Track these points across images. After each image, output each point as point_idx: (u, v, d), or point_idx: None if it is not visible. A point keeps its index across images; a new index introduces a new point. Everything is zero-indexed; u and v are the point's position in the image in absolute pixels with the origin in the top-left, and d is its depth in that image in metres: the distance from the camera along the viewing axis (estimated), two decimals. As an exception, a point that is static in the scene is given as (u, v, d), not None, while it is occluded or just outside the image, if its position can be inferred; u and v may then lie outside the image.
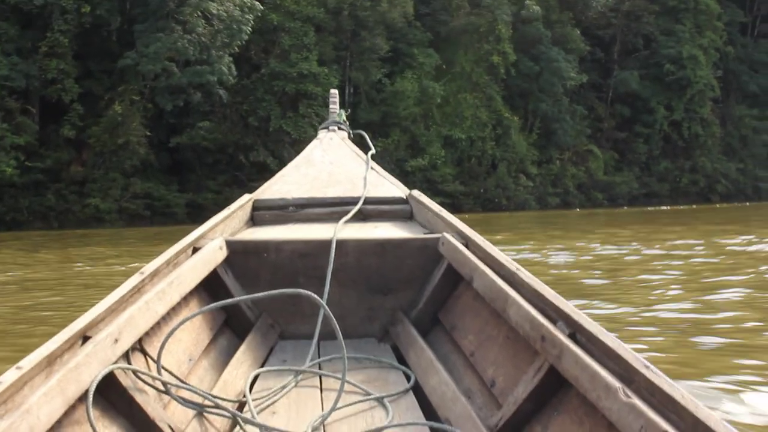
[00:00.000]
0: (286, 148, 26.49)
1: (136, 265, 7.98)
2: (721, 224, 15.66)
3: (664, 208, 31.63)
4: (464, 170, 30.60)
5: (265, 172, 25.91)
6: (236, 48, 24.70)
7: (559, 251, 9.78)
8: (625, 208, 32.22)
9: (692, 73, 36.75)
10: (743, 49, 41.46)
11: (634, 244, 10.86)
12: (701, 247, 9.73)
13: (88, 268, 9.58)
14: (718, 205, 32.62)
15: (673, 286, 6.09)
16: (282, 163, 25.86)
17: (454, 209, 29.17)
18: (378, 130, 29.20)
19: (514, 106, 32.91)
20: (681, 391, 1.17)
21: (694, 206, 32.09)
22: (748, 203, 35.52)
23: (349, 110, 4.40)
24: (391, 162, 28.86)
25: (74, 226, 21.47)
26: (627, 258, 8.95)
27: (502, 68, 31.58)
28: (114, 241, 15.27)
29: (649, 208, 30.97)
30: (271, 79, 26.59)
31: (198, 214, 22.12)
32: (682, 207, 31.34)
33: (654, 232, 13.75)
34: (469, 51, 31.47)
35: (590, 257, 9.16)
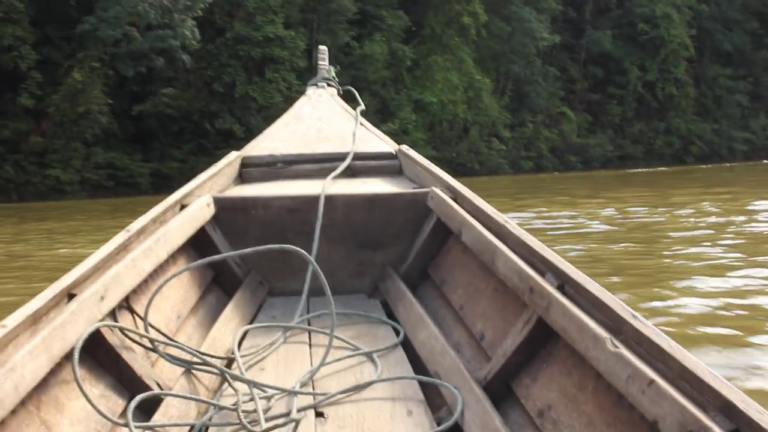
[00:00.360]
0: (253, 114, 26.81)
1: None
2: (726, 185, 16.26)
3: (641, 170, 32.46)
4: (436, 135, 31.10)
5: (231, 140, 26.23)
6: (199, 11, 24.74)
7: (592, 217, 9.77)
8: (602, 171, 32.93)
9: (666, 32, 37.57)
10: (717, 7, 42.25)
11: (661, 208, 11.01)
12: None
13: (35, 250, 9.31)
14: (700, 167, 33.44)
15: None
16: (249, 131, 26.28)
17: (426, 174, 29.74)
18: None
19: (485, 68, 33.41)
20: (668, 340, 1.21)
21: (671, 168, 32.88)
22: (729, 164, 36.38)
23: (338, 67, 4.48)
24: None
25: (35, 199, 21.63)
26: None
27: (472, 29, 32.02)
28: (72, 216, 15.14)
29: (631, 170, 31.77)
30: (236, 43, 26.74)
31: (163, 184, 22.47)
32: (662, 169, 32.09)
33: (664, 196, 14.13)
34: (439, 12, 31.84)
35: (628, 223, 9.22)
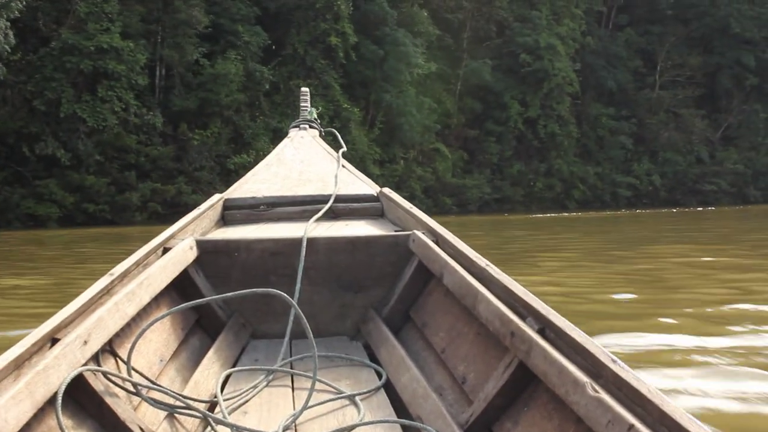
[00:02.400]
0: (82, 138, 27.36)
1: None
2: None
3: (519, 216, 35.05)
4: None
5: (55, 168, 26.64)
6: (17, 12, 24.81)
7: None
8: (476, 216, 35.29)
9: (550, 64, 42.13)
10: (600, 42, 47.86)
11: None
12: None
13: None
14: (579, 214, 36.43)
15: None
16: (75, 157, 26.70)
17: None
18: (195, 120, 30.63)
19: (354, 95, 35.54)
20: (647, 385, 1.44)
21: (552, 214, 35.79)
22: (612, 212, 40.45)
23: (320, 108, 5.31)
24: (209, 158, 30.15)
25: None
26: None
27: (341, 51, 34.03)
28: None
29: (509, 216, 34.32)
30: (63, 53, 27.30)
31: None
32: (543, 215, 34.59)
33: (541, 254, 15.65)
34: (303, 30, 33.64)
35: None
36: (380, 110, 36.48)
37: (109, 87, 27.87)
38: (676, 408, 1.36)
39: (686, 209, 40.15)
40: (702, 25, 49.75)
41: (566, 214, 35.70)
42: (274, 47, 33.17)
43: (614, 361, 1.57)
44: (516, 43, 41.94)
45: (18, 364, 1.64)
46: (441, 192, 38.07)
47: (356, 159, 33.57)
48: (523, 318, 1.98)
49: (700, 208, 40.81)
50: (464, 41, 41.54)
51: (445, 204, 37.85)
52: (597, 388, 1.54)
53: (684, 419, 1.31)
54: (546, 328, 1.86)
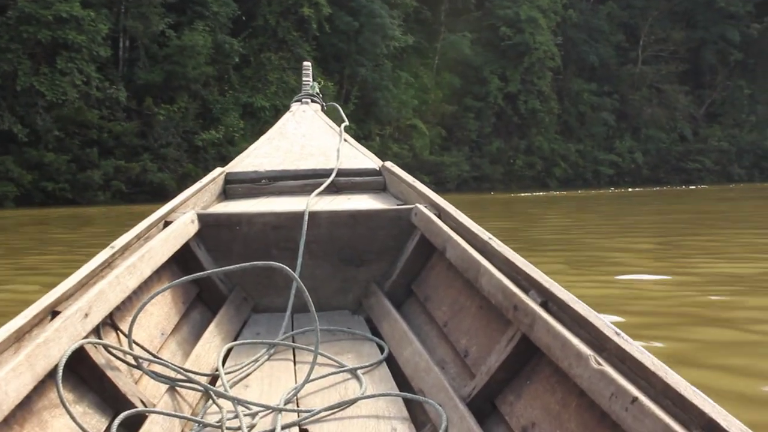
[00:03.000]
0: (40, 113, 26.69)
1: None
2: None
3: (499, 195, 34.97)
4: None
5: (12, 144, 25.88)
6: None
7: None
8: (455, 195, 35.21)
9: (531, 38, 41.77)
10: (581, 15, 47.49)
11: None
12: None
13: None
14: (563, 193, 36.21)
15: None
16: (33, 133, 25.97)
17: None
18: (161, 94, 30.05)
19: (328, 69, 34.92)
20: (651, 357, 1.46)
21: (533, 194, 35.70)
22: (594, 190, 40.30)
23: (321, 82, 5.15)
24: (176, 134, 29.61)
25: None
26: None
27: (314, 23, 33.43)
28: None
29: (488, 195, 34.33)
30: (20, 23, 26.59)
31: None
32: (526, 194, 34.64)
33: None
34: (274, 0, 33.03)
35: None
36: (355, 85, 36.11)
37: (69, 59, 27.20)
38: (680, 380, 1.37)
39: (670, 187, 40.05)
40: (686, -1, 49.43)
41: (544, 193, 35.46)
42: (244, 18, 32.56)
43: (618, 334, 1.58)
44: (496, 16, 41.55)
45: (18, 337, 1.68)
46: (418, 169, 37.65)
47: None
48: (525, 291, 2.00)
49: (683, 187, 40.71)
50: (442, 14, 41.03)
51: (422, 182, 36.29)
52: (600, 360, 1.55)
53: (688, 391, 1.33)
54: (549, 301, 1.88)
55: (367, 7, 35.33)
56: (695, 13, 49.66)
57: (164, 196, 28.26)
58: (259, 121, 31.90)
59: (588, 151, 45.64)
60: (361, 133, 35.66)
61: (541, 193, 34.59)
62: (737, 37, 48.62)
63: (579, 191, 36.02)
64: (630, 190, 38.19)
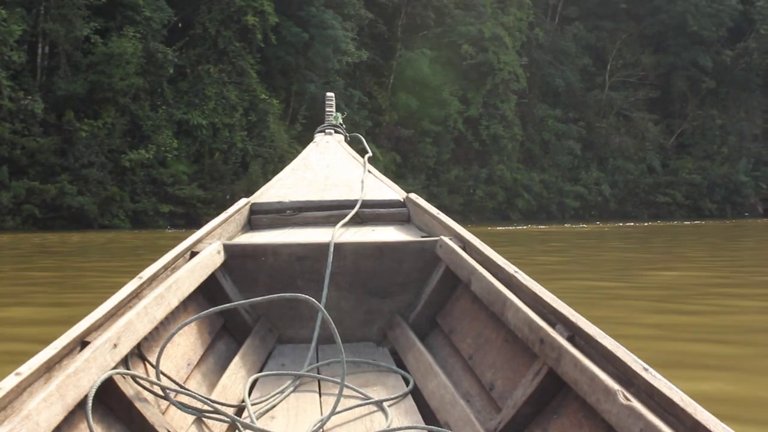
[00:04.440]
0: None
1: None
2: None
3: (475, 226, 33.82)
4: (204, 169, 31.01)
5: None
6: None
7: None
8: None
9: (495, 57, 41.07)
10: (547, 36, 46.94)
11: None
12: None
13: None
14: (529, 227, 35.54)
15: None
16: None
17: (188, 221, 29.08)
18: (84, 108, 28.64)
19: (273, 85, 34.04)
20: (680, 393, 1.54)
21: (493, 227, 34.79)
22: (558, 225, 39.37)
23: (345, 113, 5.68)
24: (100, 153, 28.24)
25: None
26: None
27: (259, 33, 32.44)
28: None
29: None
30: None
31: None
32: (486, 227, 33.84)
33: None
34: (215, 7, 31.98)
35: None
36: (303, 103, 34.86)
37: (-24, 64, 25.49)
38: (710, 417, 1.44)
39: (635, 224, 39.34)
40: (656, 22, 49.49)
41: (504, 228, 34.48)
42: (180, 25, 31.58)
43: (646, 369, 1.66)
44: (457, 33, 40.63)
45: (49, 367, 1.79)
46: (370, 199, 36.55)
47: (274, 158, 32.18)
48: (552, 325, 2.11)
49: (656, 222, 40.03)
50: (399, 29, 40.15)
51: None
52: (629, 396, 1.63)
53: (718, 428, 1.39)
54: (575, 335, 1.99)
55: (317, 17, 34.27)
56: (666, 37, 49.66)
57: (85, 223, 27.13)
58: (195, 140, 30.67)
59: (552, 182, 44.88)
60: None
61: (501, 228, 33.70)
62: (709, 64, 48.69)
63: (542, 226, 34.98)
64: (598, 224, 37.31)
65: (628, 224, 36.13)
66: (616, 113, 48.64)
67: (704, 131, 50.25)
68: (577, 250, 17.07)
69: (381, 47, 39.69)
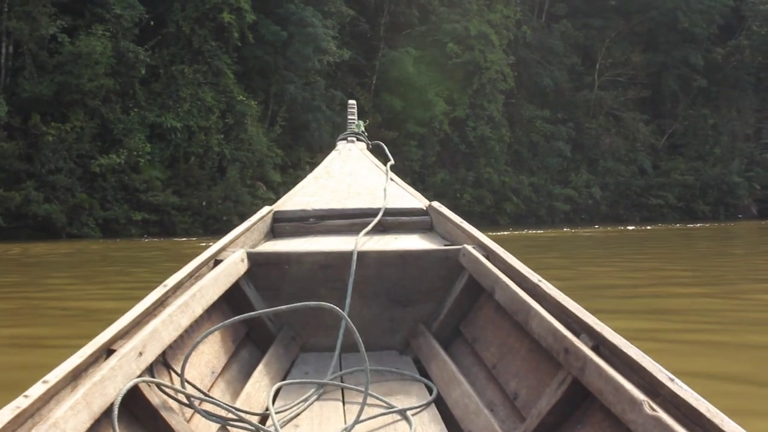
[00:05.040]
0: None
1: None
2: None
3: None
4: (179, 174, 30.36)
5: None
6: None
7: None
8: None
9: (481, 56, 40.62)
10: (534, 34, 46.51)
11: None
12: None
13: None
14: (521, 232, 35.10)
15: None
16: None
17: (162, 230, 28.31)
18: (51, 110, 28.05)
19: (251, 86, 33.52)
20: (707, 404, 1.56)
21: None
22: (547, 230, 38.83)
23: (368, 121, 5.80)
24: (69, 158, 27.71)
25: None
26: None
27: (235, 31, 31.95)
28: None
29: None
30: None
31: None
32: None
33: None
34: (189, 4, 31.41)
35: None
36: (282, 104, 34.29)
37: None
38: (737, 428, 1.46)
39: (624, 228, 38.91)
40: (646, 19, 49.29)
41: (492, 233, 33.91)
42: (152, 24, 30.70)
43: (672, 380, 1.69)
44: (443, 31, 40.10)
45: (75, 375, 1.87)
46: (354, 204, 36.05)
47: (253, 163, 31.61)
48: (576, 334, 2.16)
49: (649, 227, 39.56)
50: (381, 28, 39.62)
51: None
52: (654, 406, 1.66)
53: None
54: (600, 345, 2.04)
55: (297, 15, 33.53)
56: (656, 34, 49.43)
57: (53, 233, 26.31)
58: (169, 144, 30.07)
59: (542, 185, 44.36)
60: (289, 160, 34.33)
61: (491, 234, 33.04)
62: (701, 62, 48.52)
63: (529, 231, 34.48)
64: (597, 227, 36.82)
65: (629, 228, 35.64)
66: (605, 113, 48.34)
67: (696, 131, 50.08)
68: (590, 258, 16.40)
69: (363, 46, 39.19)
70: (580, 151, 46.92)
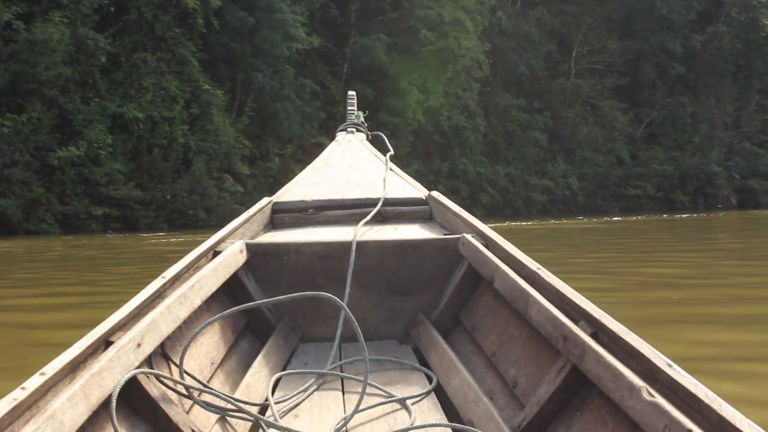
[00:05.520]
0: None
1: None
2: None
3: None
4: (142, 167, 29.78)
5: None
6: None
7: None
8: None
9: (456, 43, 40.14)
10: (510, 20, 46.24)
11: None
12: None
13: None
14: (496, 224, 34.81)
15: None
16: None
17: (125, 225, 27.71)
18: (6, 101, 27.49)
19: (217, 75, 33.14)
20: (705, 389, 1.60)
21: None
22: (536, 223, 38.67)
23: (367, 112, 5.95)
24: (25, 151, 27.18)
25: None
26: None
27: (200, 17, 31.54)
28: None
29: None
30: None
31: None
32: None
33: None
34: (152, -11, 30.92)
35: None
36: (250, 94, 33.80)
37: None
38: (735, 413, 1.49)
39: (608, 218, 38.76)
40: (623, 5, 49.11)
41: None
42: (113, 10, 29.88)
43: (670, 365, 1.72)
44: (415, 17, 39.51)
45: (73, 367, 1.90)
46: (325, 196, 35.64)
47: (219, 154, 31.18)
48: (575, 322, 2.21)
49: (630, 217, 39.38)
50: (352, 14, 39.10)
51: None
52: (653, 392, 1.69)
53: (743, 425, 1.44)
54: (599, 332, 2.09)
55: (264, 0, 32.99)
56: (633, 21, 49.26)
57: (8, 229, 25.59)
58: (131, 135, 29.53)
59: (518, 175, 44.15)
60: (257, 152, 33.92)
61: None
62: (679, 49, 48.61)
63: (507, 223, 34.18)
64: (581, 218, 36.59)
65: (614, 219, 35.43)
66: (582, 102, 48.22)
67: (674, 120, 50.13)
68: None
69: (334, 33, 38.66)
70: (556, 140, 46.74)
